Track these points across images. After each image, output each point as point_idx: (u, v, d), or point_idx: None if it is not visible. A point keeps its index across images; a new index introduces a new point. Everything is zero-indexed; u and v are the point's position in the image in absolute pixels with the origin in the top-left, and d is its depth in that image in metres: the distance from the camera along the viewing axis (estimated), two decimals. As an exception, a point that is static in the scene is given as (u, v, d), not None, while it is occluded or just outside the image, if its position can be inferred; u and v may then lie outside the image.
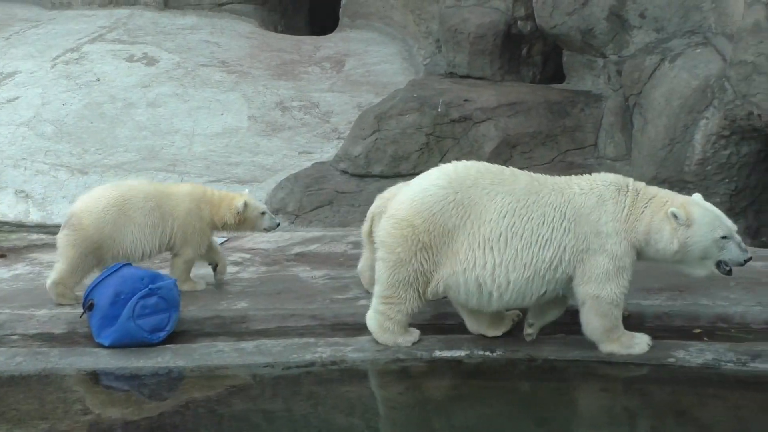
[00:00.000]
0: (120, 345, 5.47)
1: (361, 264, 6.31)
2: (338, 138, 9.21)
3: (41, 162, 8.93)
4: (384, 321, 5.24)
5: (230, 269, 7.14)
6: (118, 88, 9.92)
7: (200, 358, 5.44)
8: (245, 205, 6.37)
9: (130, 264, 5.79)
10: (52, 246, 6.65)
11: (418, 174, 7.79)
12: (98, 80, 10.04)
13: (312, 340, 5.58)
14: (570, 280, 4.73)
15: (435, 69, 9.90)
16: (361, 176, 8.37)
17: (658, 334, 5.38)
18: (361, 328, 5.68)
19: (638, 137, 8.54)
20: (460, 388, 5.28)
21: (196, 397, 5.08)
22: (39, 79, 10.36)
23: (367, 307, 5.60)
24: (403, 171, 8.35)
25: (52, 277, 5.81)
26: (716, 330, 5.44)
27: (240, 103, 9.59)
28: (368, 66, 10.62)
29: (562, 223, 4.56)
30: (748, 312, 5.56)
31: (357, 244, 7.72)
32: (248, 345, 5.54)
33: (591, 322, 4.72)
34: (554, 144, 8.56)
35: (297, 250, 7.57)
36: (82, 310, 5.68)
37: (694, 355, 5.02)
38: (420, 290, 4.95)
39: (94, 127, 9.18)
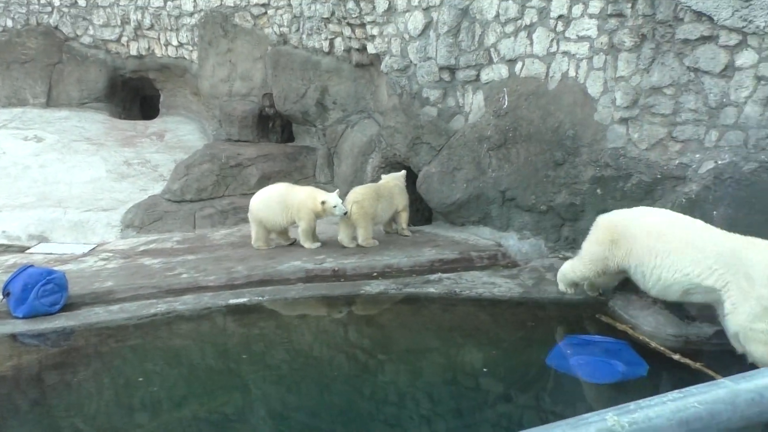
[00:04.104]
0: (30, 316, 6.27)
1: (340, 235, 8.07)
2: (163, 180, 10.63)
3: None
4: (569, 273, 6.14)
5: (99, 263, 8.03)
6: (18, 157, 11.06)
7: (84, 319, 6.28)
8: (323, 201, 7.81)
9: (32, 265, 6.78)
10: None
11: (213, 199, 11.51)
12: (4, 153, 11.24)
13: (154, 300, 6.68)
14: None
15: (219, 137, 11.95)
16: (179, 202, 10.05)
17: (356, 278, 7.19)
18: (184, 291, 6.88)
19: (337, 170, 10.75)
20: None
21: (83, 343, 5.87)
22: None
23: (186, 279, 6.93)
24: (204, 197, 10.29)
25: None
26: (385, 273, 7.34)
27: (100, 162, 11.02)
28: (179, 137, 12.57)
29: None
30: (401, 262, 7.51)
31: (180, 242, 8.84)
32: (114, 307, 6.52)
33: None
34: (291, 177, 10.60)
35: (142, 248, 8.67)
36: (1, 297, 6.44)
37: (374, 287, 6.87)
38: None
39: (2, 182, 10.48)
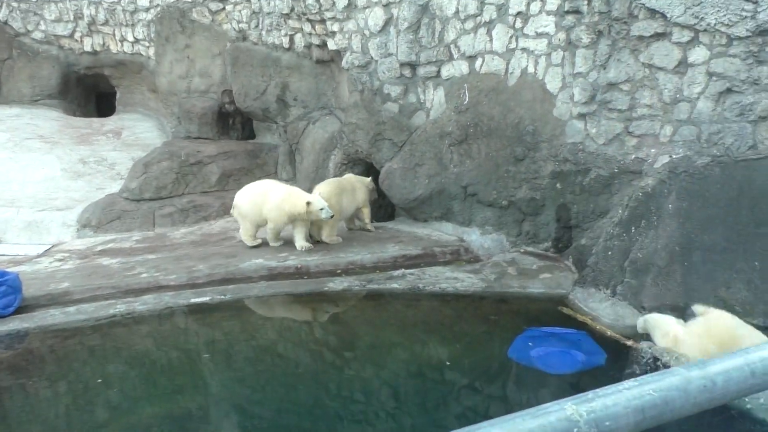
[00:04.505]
0: (-16, 320, 5.79)
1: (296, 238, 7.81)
2: (121, 179, 10.46)
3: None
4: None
5: (55, 263, 7.92)
6: (-30, 157, 10.05)
7: (39, 321, 6.19)
8: (308, 203, 7.62)
9: (-14, 268, 6.24)
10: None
11: (173, 197, 11.36)
12: (-43, 153, 10.17)
13: (113, 301, 6.59)
14: None
15: (178, 134, 11.78)
16: (137, 201, 9.92)
17: (319, 275, 7.19)
18: (144, 291, 6.81)
19: (299, 167, 10.72)
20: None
21: (38, 345, 5.81)
22: None
23: (146, 278, 6.84)
24: (163, 195, 10.13)
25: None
26: (349, 269, 7.38)
27: (54, 161, 10.77)
28: (137, 134, 12.32)
29: None
30: (364, 258, 7.58)
31: (140, 241, 8.78)
32: (71, 309, 6.44)
33: None
34: (253, 174, 10.64)
35: (100, 248, 8.59)
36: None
37: (338, 283, 6.90)
38: None
39: (-43, 182, 9.46)
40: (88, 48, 13.64)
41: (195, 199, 10.20)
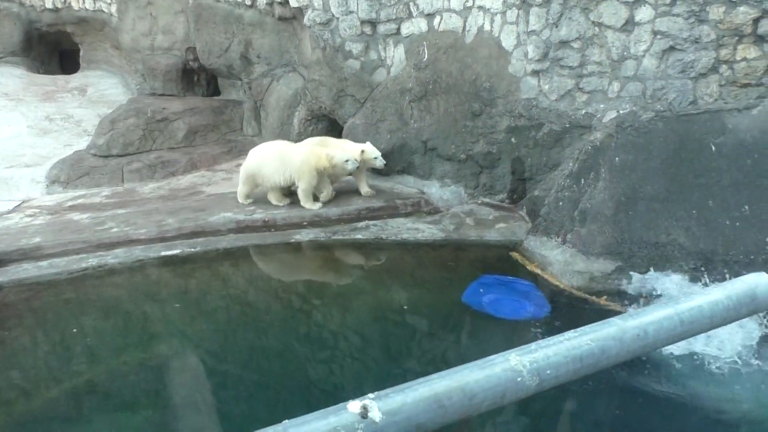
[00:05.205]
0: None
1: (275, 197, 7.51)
2: (88, 135, 10.29)
3: None
4: None
5: (25, 219, 7.78)
6: (-67, 114, 9.59)
7: (12, 275, 6.12)
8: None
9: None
10: None
11: (140, 153, 11.12)
12: None
13: (84, 255, 6.53)
14: None
15: (143, 91, 11.55)
16: (105, 157, 9.71)
17: (286, 228, 7.19)
18: (115, 245, 6.75)
19: (264, 123, 10.53)
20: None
21: (13, 299, 5.72)
22: None
23: (116, 233, 6.76)
24: (131, 151, 9.94)
25: None
26: (314, 222, 7.39)
27: (20, 118, 10.51)
28: (102, 91, 12.05)
29: None
30: (330, 211, 7.55)
31: (109, 197, 8.60)
32: (44, 263, 6.38)
33: None
34: (219, 130, 10.63)
35: (70, 203, 8.43)
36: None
37: (304, 235, 6.93)
38: None
39: None
40: (49, 5, 13.13)
41: (162, 154, 10.00)
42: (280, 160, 7.44)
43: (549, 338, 1.52)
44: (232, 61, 10.66)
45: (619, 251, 5.40)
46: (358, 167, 7.49)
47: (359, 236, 6.90)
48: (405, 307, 5.40)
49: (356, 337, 4.99)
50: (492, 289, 5.28)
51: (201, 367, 4.57)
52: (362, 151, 7.46)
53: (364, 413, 1.26)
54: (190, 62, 11.40)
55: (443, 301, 5.54)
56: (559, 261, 5.79)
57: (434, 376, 1.38)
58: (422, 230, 6.93)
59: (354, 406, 1.26)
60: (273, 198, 7.66)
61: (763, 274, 1.84)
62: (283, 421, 1.24)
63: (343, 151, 7.43)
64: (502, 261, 6.24)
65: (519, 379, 1.42)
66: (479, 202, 7.52)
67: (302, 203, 7.48)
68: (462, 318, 5.20)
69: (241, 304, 5.75)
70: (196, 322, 5.24)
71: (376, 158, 7.54)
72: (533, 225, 6.50)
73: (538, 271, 5.92)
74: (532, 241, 6.30)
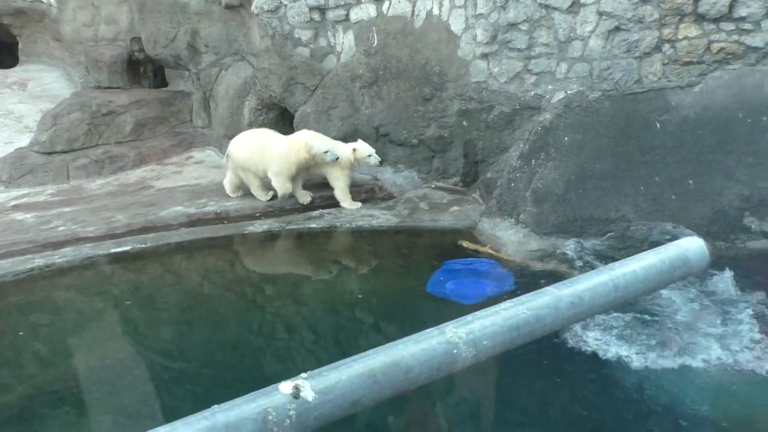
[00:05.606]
0: None
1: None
2: (30, 132, 9.96)
3: None
4: None
5: None
6: None
7: None
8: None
9: None
10: None
11: (87, 149, 10.74)
12: None
13: (30, 255, 6.35)
14: None
15: (87, 84, 11.20)
16: (49, 153, 9.44)
17: (239, 219, 7.15)
18: (62, 244, 6.57)
19: (214, 114, 10.35)
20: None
21: None
22: None
23: (63, 231, 6.62)
24: (76, 147, 9.63)
25: None
26: (268, 212, 7.38)
27: None
28: (43, 86, 11.66)
29: None
30: (286, 203, 7.51)
31: (54, 195, 8.38)
32: None
33: None
34: (167, 122, 10.41)
35: (13, 203, 8.22)
36: None
37: (258, 226, 6.89)
38: None
39: None
40: (-17, -4, 12.20)
41: (110, 149, 9.74)
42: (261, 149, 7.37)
43: (485, 309, 1.53)
44: (179, 50, 10.44)
45: (571, 229, 5.51)
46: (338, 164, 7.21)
47: (314, 225, 6.86)
48: (360, 297, 5.35)
49: (312, 329, 4.98)
50: (452, 275, 5.26)
51: (156, 365, 4.52)
52: (354, 149, 7.19)
53: (296, 393, 1.24)
54: (136, 53, 11.08)
55: (403, 288, 5.60)
56: (513, 241, 5.86)
57: (369, 351, 1.37)
58: (377, 216, 6.94)
59: (285, 386, 1.24)
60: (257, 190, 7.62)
61: (696, 237, 1.88)
62: (212, 406, 1.21)
63: (323, 142, 7.18)
64: (456, 245, 6.25)
65: (455, 351, 1.42)
66: (433, 186, 7.58)
67: (274, 184, 7.38)
68: (417, 304, 5.26)
69: (194, 298, 5.70)
70: (150, 319, 5.18)
71: (370, 156, 7.15)
72: (487, 207, 6.56)
73: (490, 251, 5.96)
74: (486, 222, 6.36)
